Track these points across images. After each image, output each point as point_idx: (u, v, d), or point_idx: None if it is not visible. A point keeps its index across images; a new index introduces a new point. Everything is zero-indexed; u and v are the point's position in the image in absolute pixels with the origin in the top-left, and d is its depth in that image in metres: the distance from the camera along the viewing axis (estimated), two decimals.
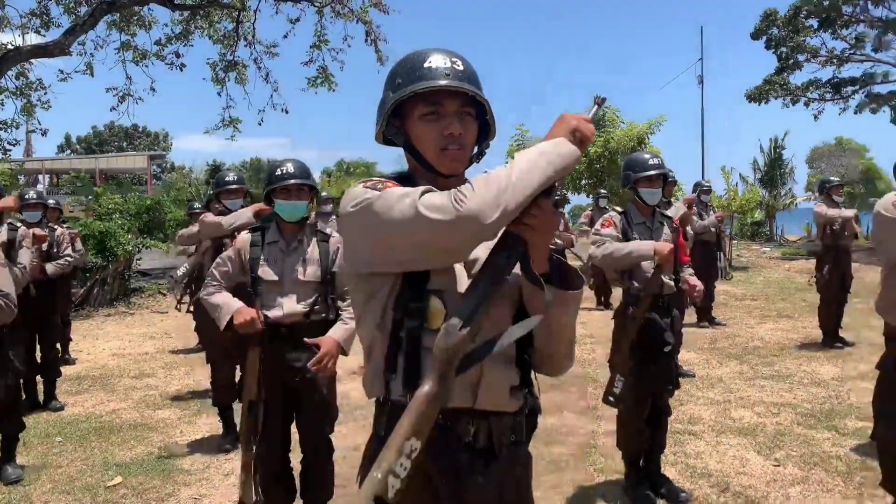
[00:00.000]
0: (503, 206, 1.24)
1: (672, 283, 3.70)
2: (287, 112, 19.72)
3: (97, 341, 9.48)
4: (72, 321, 8.54)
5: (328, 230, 3.49)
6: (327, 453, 3.38)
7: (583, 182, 17.12)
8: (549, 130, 1.36)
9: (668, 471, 4.02)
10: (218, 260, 3.41)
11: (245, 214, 4.63)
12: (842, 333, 7.77)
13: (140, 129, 51.80)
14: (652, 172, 3.68)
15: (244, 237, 3.36)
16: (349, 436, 4.80)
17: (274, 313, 3.19)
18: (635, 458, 3.83)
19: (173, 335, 9.86)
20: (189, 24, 17.77)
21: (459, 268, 1.45)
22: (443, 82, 1.43)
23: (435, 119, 1.46)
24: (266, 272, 3.25)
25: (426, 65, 1.46)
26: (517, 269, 1.38)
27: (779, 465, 4.23)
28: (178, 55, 18.03)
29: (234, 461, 4.64)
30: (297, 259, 3.28)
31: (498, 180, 1.26)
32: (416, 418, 1.25)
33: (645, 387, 3.65)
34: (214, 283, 3.32)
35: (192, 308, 5.99)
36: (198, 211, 9.30)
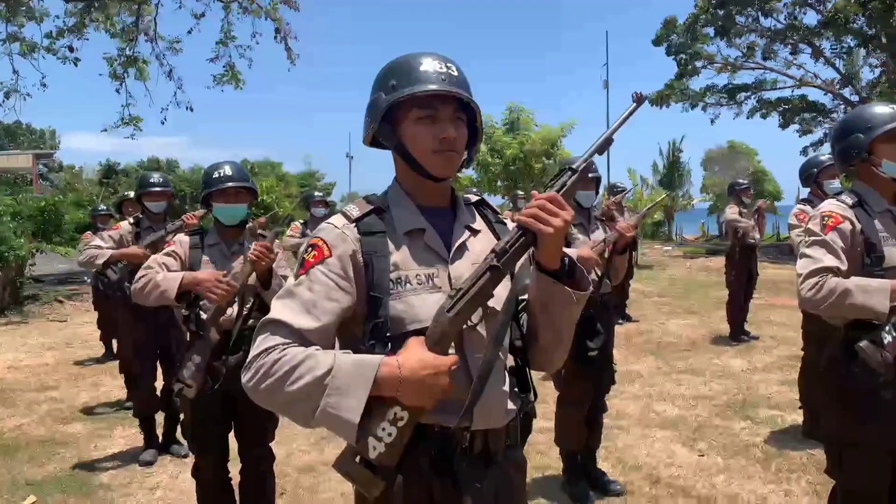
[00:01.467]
0: (269, 407, 1.38)
1: (608, 282, 3.80)
2: (192, 110, 19.13)
3: None
4: None
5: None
6: (268, 462, 3.27)
7: (498, 184, 17.38)
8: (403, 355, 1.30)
9: (602, 465, 4.13)
10: (152, 258, 3.19)
11: (132, 251, 4.50)
12: (746, 327, 8.24)
13: (24, 126, 48.69)
14: (593, 175, 3.79)
15: (182, 239, 3.21)
16: (281, 443, 4.68)
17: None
18: (574, 454, 3.91)
19: (75, 345, 9.31)
20: (84, 16, 16.85)
21: (437, 298, 1.41)
22: (437, 87, 1.41)
23: (430, 122, 1.44)
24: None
25: (422, 68, 1.44)
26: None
27: (703, 456, 4.43)
28: (71, 49, 17.09)
29: (158, 475, 4.44)
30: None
31: (288, 385, 1.29)
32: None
33: (589, 385, 3.75)
34: (150, 269, 3.08)
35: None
36: (103, 214, 8.83)
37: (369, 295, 1.41)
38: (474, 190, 13.71)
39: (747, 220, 7.93)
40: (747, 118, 24.61)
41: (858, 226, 2.42)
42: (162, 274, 3.02)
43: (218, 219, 3.21)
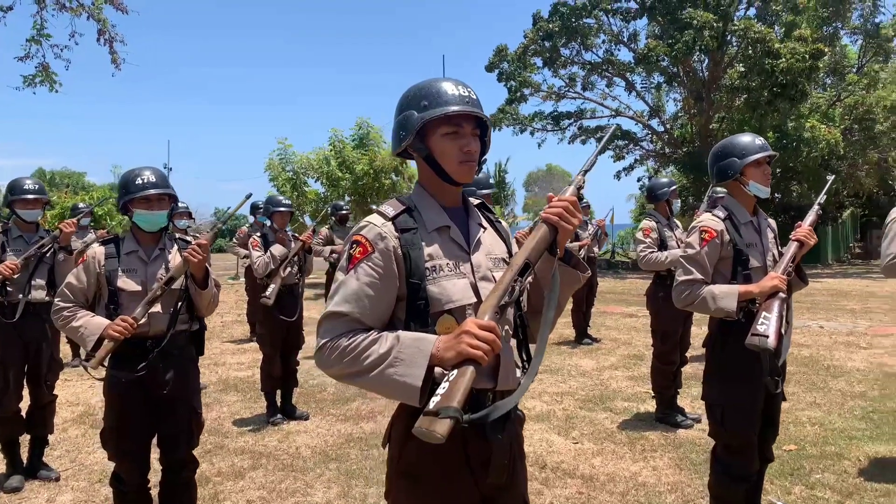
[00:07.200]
0: (343, 379, 1.64)
1: None
2: None
3: None
4: None
5: (189, 238, 3.37)
6: (191, 468, 3.24)
7: (346, 198, 17.42)
8: (446, 342, 1.51)
9: None
10: (67, 280, 3.11)
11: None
12: (589, 331, 9.06)
13: None
14: (492, 191, 4.15)
15: (96, 249, 3.12)
16: None
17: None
18: None
19: None
20: None
21: (464, 283, 1.70)
22: (460, 108, 1.69)
23: (455, 137, 1.71)
24: (127, 283, 3.05)
25: (450, 92, 1.70)
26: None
27: (577, 443, 4.90)
28: None
29: (32, 499, 4.15)
30: (158, 267, 3.13)
31: (361, 362, 1.55)
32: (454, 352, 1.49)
33: None
34: (69, 303, 3.04)
35: None
36: None
37: (409, 281, 1.66)
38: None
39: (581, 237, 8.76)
40: (569, 143, 26.71)
41: (728, 237, 3.02)
42: (84, 322, 3.00)
43: (138, 225, 3.16)
